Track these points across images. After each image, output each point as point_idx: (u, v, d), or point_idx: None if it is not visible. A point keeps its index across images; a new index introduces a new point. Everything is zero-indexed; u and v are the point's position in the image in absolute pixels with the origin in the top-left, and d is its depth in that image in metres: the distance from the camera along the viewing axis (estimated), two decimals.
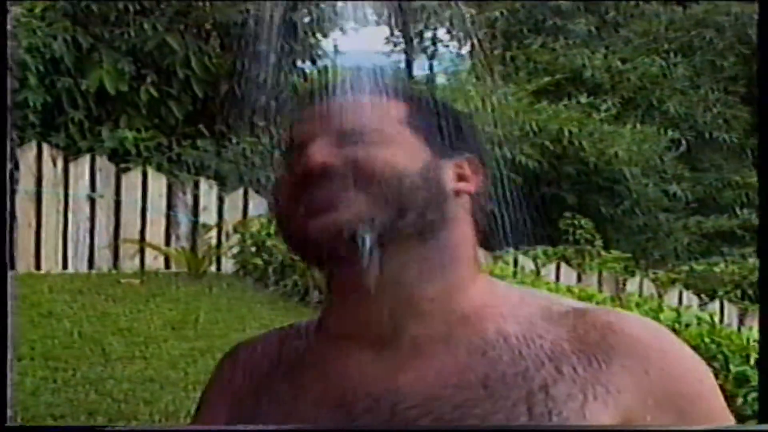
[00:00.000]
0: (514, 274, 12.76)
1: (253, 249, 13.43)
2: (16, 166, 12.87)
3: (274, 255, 12.95)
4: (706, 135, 25.02)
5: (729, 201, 24.23)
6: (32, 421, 7.73)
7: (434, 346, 1.82)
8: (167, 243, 13.94)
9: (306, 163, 1.77)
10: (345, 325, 1.87)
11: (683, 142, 23.79)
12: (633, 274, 16.62)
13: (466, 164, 1.87)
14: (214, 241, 13.96)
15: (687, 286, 16.93)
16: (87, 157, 13.66)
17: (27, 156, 13.16)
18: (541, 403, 1.73)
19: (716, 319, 10.30)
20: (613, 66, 24.12)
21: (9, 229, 12.47)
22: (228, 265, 13.81)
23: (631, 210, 20.96)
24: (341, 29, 15.62)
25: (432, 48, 29.67)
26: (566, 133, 20.49)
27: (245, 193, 14.13)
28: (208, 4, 14.80)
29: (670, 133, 23.33)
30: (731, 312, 15.44)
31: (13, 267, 12.16)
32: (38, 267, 13.11)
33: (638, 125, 22.60)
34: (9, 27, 1.60)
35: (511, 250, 14.47)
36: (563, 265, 16.27)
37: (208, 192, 14.16)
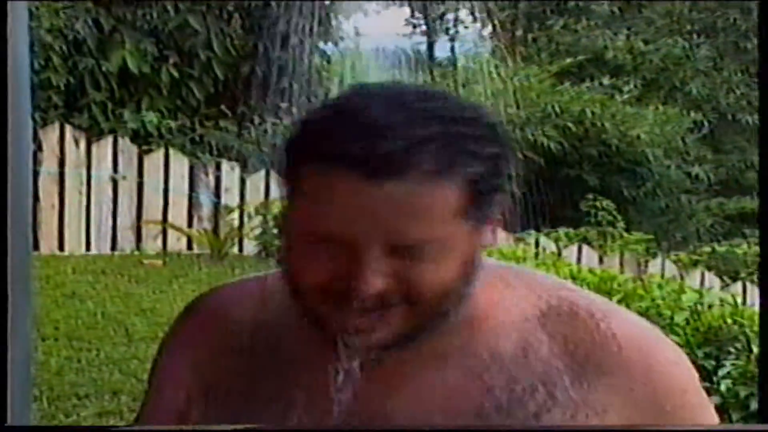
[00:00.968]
0: (536, 255, 12.75)
1: (275, 231, 13.47)
2: (39, 147, 12.89)
3: None
4: (729, 117, 24.96)
5: (752, 183, 24.15)
6: (57, 401, 7.76)
7: (428, 369, 1.74)
8: (189, 224, 13.97)
9: (357, 287, 1.59)
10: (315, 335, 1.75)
11: (706, 123, 23.72)
12: (655, 256, 16.60)
13: (496, 223, 1.71)
14: (236, 223, 13.99)
15: (709, 268, 16.90)
16: (109, 139, 13.69)
17: (50, 137, 13.19)
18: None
19: (738, 300, 10.28)
20: (636, 47, 24.05)
21: (33, 210, 12.45)
22: (250, 247, 13.83)
23: (653, 192, 20.87)
24: (363, 11, 15.57)
25: (453, 29, 29.52)
26: (588, 114, 20.37)
27: (267, 175, 14.13)
28: (229, 3, 14.82)
29: (692, 114, 23.24)
30: (754, 293, 15.42)
31: (36, 248, 12.22)
32: (61, 248, 13.15)
33: (660, 107, 22.48)
34: (9, 26, 1.56)
35: (533, 231, 14.43)
36: (585, 246, 16.21)
37: (230, 173, 14.18)
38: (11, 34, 1.76)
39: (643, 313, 5.64)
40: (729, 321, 8.32)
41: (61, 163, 13.27)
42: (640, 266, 15.60)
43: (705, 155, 23.71)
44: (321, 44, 14.84)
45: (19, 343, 1.71)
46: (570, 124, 20.26)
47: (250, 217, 13.89)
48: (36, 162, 12.75)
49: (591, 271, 11.64)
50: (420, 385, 1.73)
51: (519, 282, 1.82)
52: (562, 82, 21.95)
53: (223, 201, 14.04)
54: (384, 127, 1.54)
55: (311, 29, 14.23)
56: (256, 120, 14.58)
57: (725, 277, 16.37)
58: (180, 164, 13.90)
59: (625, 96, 22.01)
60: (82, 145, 13.43)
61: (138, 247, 13.67)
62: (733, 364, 6.49)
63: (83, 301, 10.36)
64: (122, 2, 14.28)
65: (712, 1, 26.03)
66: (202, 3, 14.54)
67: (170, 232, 13.83)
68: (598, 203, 18.74)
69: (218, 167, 14.12)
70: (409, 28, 29.06)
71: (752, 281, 16.42)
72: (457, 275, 1.64)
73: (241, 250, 13.87)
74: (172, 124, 14.31)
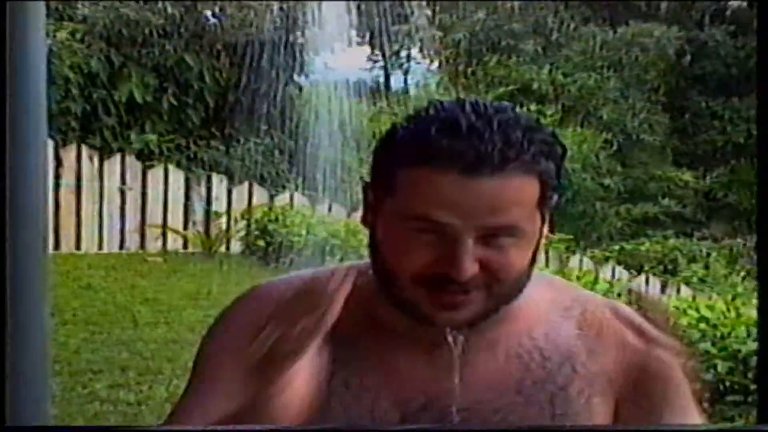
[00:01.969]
0: None
1: (257, 233, 13.45)
2: (60, 164, 12.83)
3: (275, 238, 12.97)
4: (634, 137, 25.03)
5: (653, 192, 24.25)
6: (75, 375, 7.73)
7: (482, 352, 1.73)
8: (185, 227, 13.93)
9: (456, 273, 1.57)
10: (400, 325, 1.72)
11: (615, 143, 23.82)
12: (574, 253, 16.66)
13: (551, 213, 1.72)
14: (224, 226, 13.95)
15: (619, 263, 16.98)
16: (118, 156, 13.64)
17: (69, 155, 13.13)
18: (560, 404, 1.72)
19: (642, 289, 10.42)
20: (557, 79, 24.08)
21: (54, 216, 12.47)
22: (236, 246, 13.80)
23: (572, 199, 20.95)
24: (330, 49, 15.53)
25: (406, 64, 29.56)
26: None
27: (250, 186, 14.12)
28: (219, 28, 14.78)
29: (604, 135, 23.34)
30: (655, 284, 15.51)
31: (57, 248, 12.17)
32: (78, 248, 13.09)
33: (578, 129, 22.61)
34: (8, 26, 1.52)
35: None
36: None
37: (219, 185, 14.15)
38: (31, 70, 1.75)
39: None
40: (635, 307, 8.32)
41: (78, 177, 13.22)
42: (562, 261, 15.65)
43: (615, 169, 23.76)
44: (294, 77, 14.80)
45: (38, 327, 1.70)
46: None
47: (236, 221, 13.87)
48: (57, 176, 12.68)
49: None
50: (475, 366, 1.72)
51: (540, 281, 1.81)
52: None
53: (213, 208, 14.00)
54: (477, 132, 1.56)
55: (286, 64, 14.22)
56: (241, 140, 14.53)
57: (632, 270, 16.43)
58: (177, 177, 13.87)
59: (549, 120, 22.07)
60: (96, 161, 13.39)
61: (142, 247, 13.64)
62: None
63: (96, 291, 10.33)
64: (129, 43, 14.22)
65: (621, 41, 26.15)
66: (195, 43, 14.50)
67: (169, 234, 13.78)
68: None
69: (209, 180, 14.10)
70: (370, 64, 29.03)
71: (654, 274, 16.51)
72: (528, 262, 1.66)
73: (228, 248, 13.83)
74: (171, 144, 14.26)
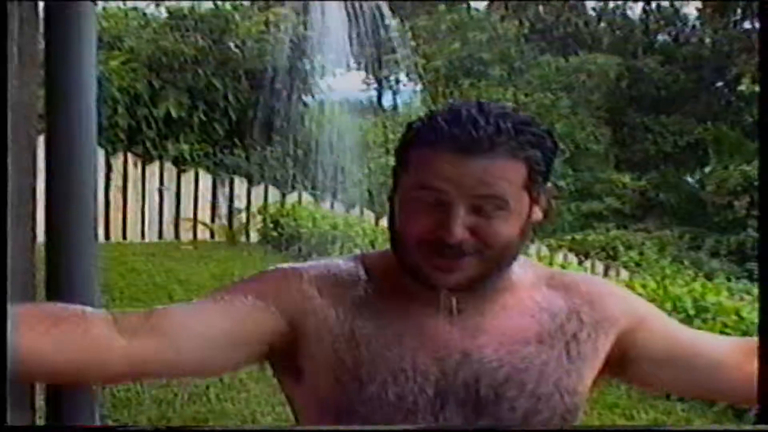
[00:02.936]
0: None
1: (271, 225, 13.44)
2: (110, 169, 12.81)
3: (286, 230, 12.98)
4: (582, 146, 25.09)
5: (598, 191, 24.31)
6: None
7: (496, 314, 1.71)
8: (212, 221, 13.91)
9: (448, 235, 1.57)
10: (419, 295, 1.69)
11: (567, 151, 23.83)
12: (533, 242, 16.67)
13: (545, 198, 1.72)
14: (244, 220, 13.93)
15: (569, 250, 16.99)
16: (157, 162, 13.61)
17: (117, 162, 13.10)
18: (574, 348, 1.72)
19: (589, 271, 10.43)
20: (519, 99, 24.12)
21: (105, 212, 12.50)
22: (254, 236, 13.79)
23: (552, 202, 20.94)
24: (332, 74, 15.54)
25: (395, 86, 29.60)
26: None
27: (266, 187, 14.09)
28: (240, 56, 14.75)
29: (559, 146, 23.40)
30: (598, 267, 15.53)
31: (107, 238, 12.16)
32: (124, 237, 13.07)
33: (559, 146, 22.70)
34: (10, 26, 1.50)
35: None
36: None
37: (240, 186, 14.12)
38: (84, 90, 1.75)
39: None
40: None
41: (125, 179, 13.19)
42: (523, 250, 15.66)
43: (567, 172, 23.79)
44: (302, 96, 14.79)
45: (90, 303, 1.70)
46: None
47: (254, 216, 13.85)
48: (107, 178, 12.67)
49: None
50: (498, 326, 1.71)
51: (520, 261, 1.79)
52: None
53: (235, 205, 13.99)
54: (473, 121, 1.58)
55: (296, 86, 14.20)
56: (258, 148, 14.52)
57: (580, 256, 16.44)
58: (205, 180, 13.85)
59: None
60: (139, 166, 13.37)
61: (177, 237, 13.61)
62: None
63: (139, 273, 10.32)
64: (167, 69, 14.19)
65: (571, 68, 26.16)
66: (221, 69, 14.48)
67: (199, 227, 13.76)
68: None
69: (232, 181, 14.08)
70: (365, 86, 29.05)
71: (598, 259, 16.52)
72: (516, 236, 1.64)
73: (248, 238, 13.81)
74: (200, 152, 14.24)
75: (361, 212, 13.54)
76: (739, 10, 28.28)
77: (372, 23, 12.58)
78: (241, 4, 15.96)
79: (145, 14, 15.10)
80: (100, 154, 8.42)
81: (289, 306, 1.69)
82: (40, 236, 1.67)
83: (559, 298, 1.76)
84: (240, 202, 14.08)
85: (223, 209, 14.02)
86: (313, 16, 13.74)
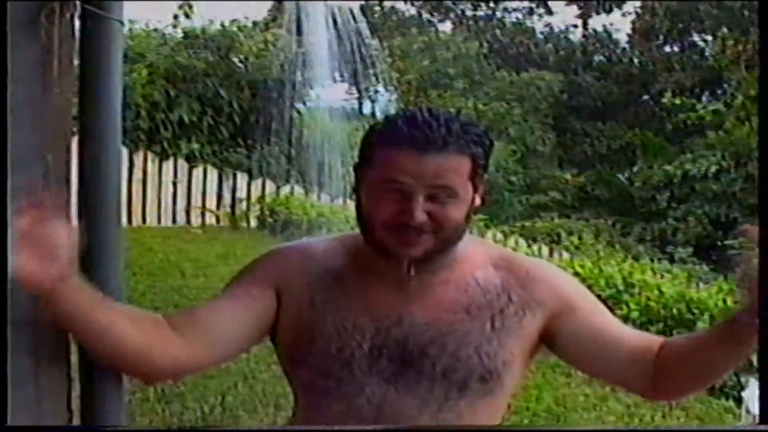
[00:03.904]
0: None
1: (268, 213, 13.42)
2: (131, 165, 12.73)
3: (280, 216, 12.98)
4: (531, 148, 25.13)
5: (544, 186, 24.31)
6: None
7: (435, 286, 1.74)
8: (218, 209, 13.83)
9: (411, 219, 1.61)
10: (377, 268, 1.73)
11: (518, 152, 23.88)
12: (489, 228, 16.68)
13: (482, 187, 1.74)
14: (245, 208, 13.88)
15: (520, 235, 17.00)
16: (172, 159, 13.53)
17: (138, 158, 13.01)
18: (498, 321, 1.72)
19: (536, 254, 10.49)
20: (479, 108, 24.07)
21: (128, 202, 12.45)
22: (253, 222, 13.75)
23: (489, 190, 20.99)
24: (321, 85, 15.51)
25: (374, 96, 29.56)
26: None
27: (263, 180, 14.04)
28: (243, 69, 14.67)
29: (512, 147, 23.41)
30: (544, 250, 15.57)
31: (130, 223, 12.11)
32: (144, 222, 12.99)
33: (495, 143, 22.65)
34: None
35: None
36: None
37: (242, 179, 14.05)
38: (111, 98, 1.76)
39: None
40: None
41: (144, 173, 13.09)
42: (481, 234, 15.66)
43: (518, 170, 23.81)
44: (295, 104, 14.75)
45: (116, 278, 1.71)
46: None
47: (253, 205, 13.80)
48: (130, 172, 12.60)
49: None
50: (434, 296, 1.73)
51: (474, 241, 1.84)
52: None
53: (237, 195, 13.93)
54: (428, 124, 1.62)
55: (290, 95, 14.17)
56: (258, 148, 14.47)
57: (529, 241, 16.46)
58: (213, 174, 13.75)
59: None
60: (156, 163, 13.28)
61: (188, 222, 13.51)
62: None
63: (156, 253, 10.27)
64: (182, 80, 14.09)
65: (523, 82, 26.19)
66: (227, 80, 14.40)
67: (207, 213, 13.70)
68: None
69: (235, 176, 13.99)
70: (348, 96, 29.01)
71: (545, 243, 16.53)
72: (462, 219, 1.68)
73: (248, 224, 13.74)
74: (208, 151, 14.18)
75: (344, 202, 13.51)
76: (661, 36, 28.46)
77: (355, 42, 12.56)
78: (245, 26, 15.90)
79: (163, 34, 14.99)
80: (124, 151, 8.32)
81: (279, 284, 1.78)
82: (74, 220, 1.68)
83: (498, 278, 1.76)
84: (241, 193, 14.00)
85: (227, 199, 13.95)
86: (305, 37, 13.71)
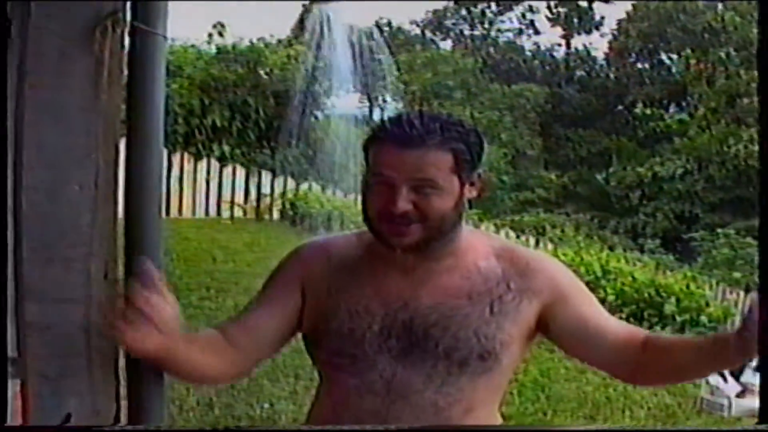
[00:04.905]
0: None
1: (289, 207, 13.43)
2: (170, 164, 12.72)
3: (299, 210, 12.99)
4: (522, 152, 25.12)
5: (531, 185, 24.36)
6: (178, 292, 7.62)
7: (439, 274, 1.70)
8: (245, 202, 13.83)
9: (394, 208, 1.59)
10: (386, 258, 1.69)
11: (509, 154, 23.86)
12: (482, 222, 16.65)
13: (477, 179, 1.69)
14: (269, 203, 13.87)
15: (511, 228, 16.99)
16: (205, 159, 13.53)
17: (176, 159, 12.99)
18: (497, 306, 1.68)
19: (523, 244, 10.46)
20: (475, 117, 24.05)
21: (167, 196, 12.43)
22: (276, 215, 13.75)
23: (488, 185, 20.87)
24: (336, 94, 15.52)
25: (383, 105, 29.52)
26: None
27: (285, 178, 14.03)
28: (269, 81, 14.63)
29: (504, 151, 23.40)
30: (531, 241, 15.54)
31: (168, 214, 12.12)
32: (180, 214, 13.00)
33: (485, 141, 22.60)
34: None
35: None
36: None
37: (266, 177, 14.03)
38: (155, 105, 1.76)
39: None
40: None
41: (181, 171, 13.09)
42: (476, 227, 15.58)
43: (509, 170, 23.83)
44: (314, 111, 14.74)
45: (156, 263, 1.71)
46: None
47: (276, 199, 13.80)
48: (169, 171, 12.61)
49: None
50: (438, 283, 1.69)
51: (477, 233, 1.84)
52: None
53: (262, 191, 13.92)
54: (410, 123, 1.61)
55: (309, 103, 14.16)
56: (281, 150, 14.46)
57: (518, 233, 16.43)
58: (241, 173, 13.74)
59: None
60: (192, 162, 13.28)
61: (219, 214, 13.51)
62: None
63: (191, 241, 10.28)
64: (214, 90, 14.08)
65: (512, 94, 26.13)
66: (254, 89, 14.37)
67: (236, 207, 13.70)
68: None
69: (260, 174, 13.99)
70: (360, 104, 28.98)
71: (531, 235, 16.50)
72: (450, 209, 1.63)
73: (271, 216, 13.75)
74: (238, 152, 14.19)
75: (356, 197, 13.50)
76: (634, 54, 28.46)
77: (367, 58, 12.54)
78: (270, 43, 15.90)
79: (199, 50, 14.98)
80: (165, 153, 8.39)
81: (303, 280, 1.76)
82: (120, 213, 1.69)
83: (499, 267, 1.71)
84: (266, 189, 13.98)
85: (253, 194, 13.93)
86: (323, 52, 13.69)
